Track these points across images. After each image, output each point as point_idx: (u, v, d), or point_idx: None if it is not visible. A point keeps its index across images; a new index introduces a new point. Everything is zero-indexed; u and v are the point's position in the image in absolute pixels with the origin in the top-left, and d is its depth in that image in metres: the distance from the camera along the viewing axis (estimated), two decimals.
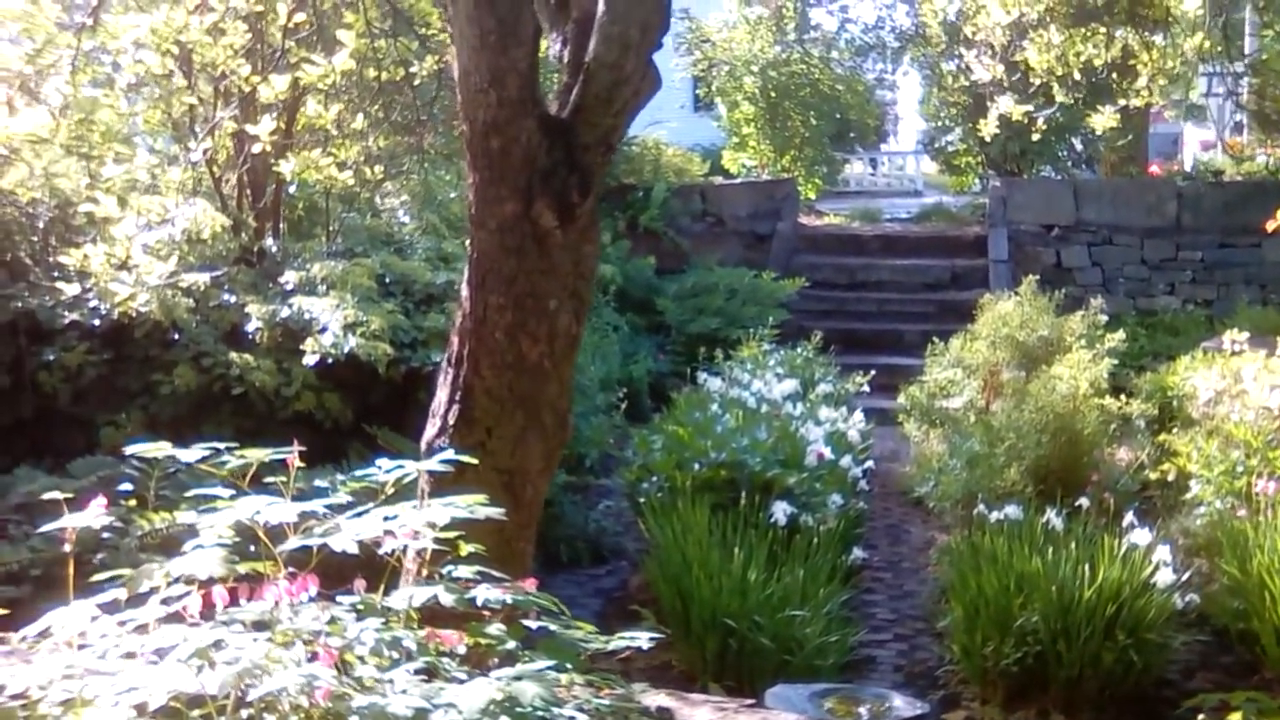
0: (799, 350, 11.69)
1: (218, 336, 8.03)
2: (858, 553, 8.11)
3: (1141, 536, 6.71)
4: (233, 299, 8.22)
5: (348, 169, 8.14)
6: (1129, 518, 7.15)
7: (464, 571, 2.59)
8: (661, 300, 15.07)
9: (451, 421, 4.15)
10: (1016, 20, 7.29)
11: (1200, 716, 5.63)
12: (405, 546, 2.72)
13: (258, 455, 2.70)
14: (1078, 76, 7.61)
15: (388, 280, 8.83)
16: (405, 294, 8.86)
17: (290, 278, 8.31)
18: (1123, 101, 7.76)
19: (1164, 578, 6.49)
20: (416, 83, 8.01)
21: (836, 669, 6.56)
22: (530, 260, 4.06)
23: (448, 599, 2.43)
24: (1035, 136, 12.88)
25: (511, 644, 2.47)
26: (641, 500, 7.87)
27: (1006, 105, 7.76)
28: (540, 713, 2.10)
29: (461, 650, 2.48)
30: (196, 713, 2.29)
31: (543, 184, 4.02)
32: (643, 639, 2.69)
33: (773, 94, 20.36)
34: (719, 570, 6.70)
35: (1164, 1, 7.22)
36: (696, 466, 7.83)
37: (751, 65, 20.26)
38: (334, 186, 8.66)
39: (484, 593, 2.47)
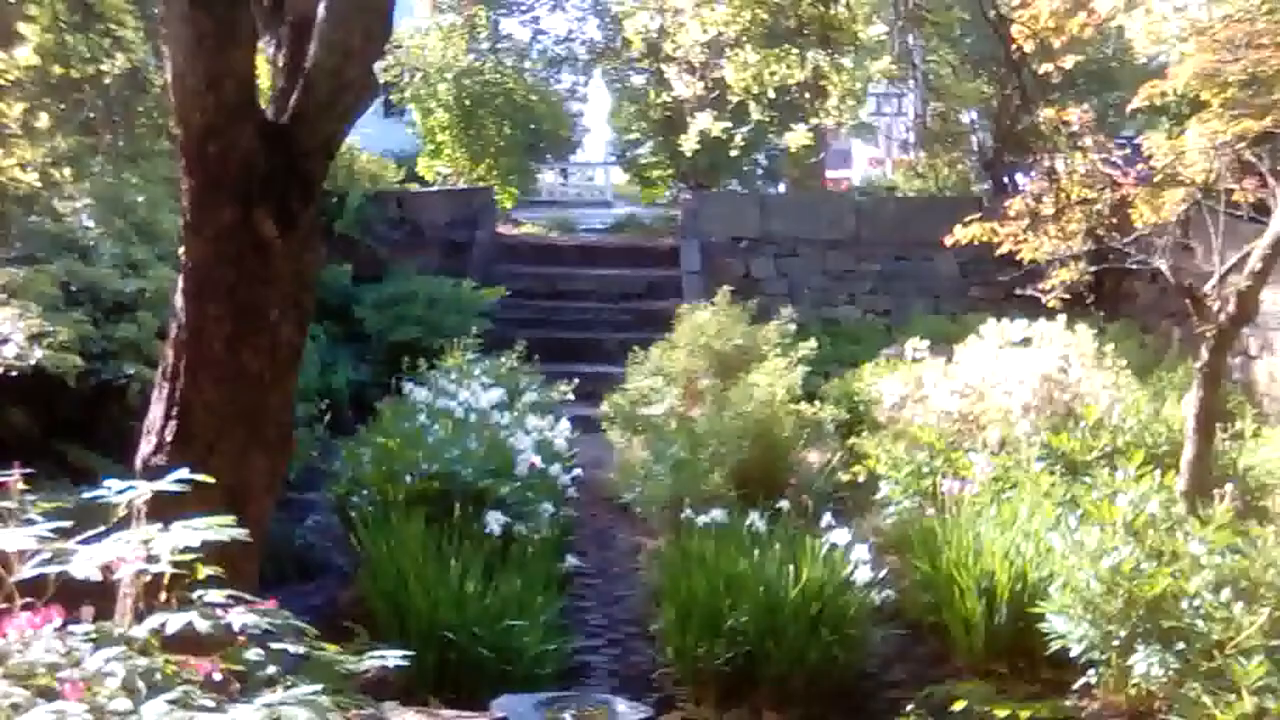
0: (503, 359, 11.69)
1: None
2: (571, 560, 8.19)
3: (841, 536, 7.04)
4: None
5: (31, 170, 7.66)
6: (827, 518, 7.50)
7: (214, 595, 2.48)
8: (360, 309, 14.80)
9: (169, 438, 3.95)
10: (714, 39, 7.53)
11: (909, 707, 5.94)
12: (125, 572, 2.59)
13: None
14: (772, 95, 7.93)
15: (73, 288, 8.37)
16: (93, 303, 8.41)
17: None
18: (815, 120, 8.14)
19: (862, 575, 6.83)
20: (106, 81, 7.61)
21: (555, 677, 6.59)
22: (250, 269, 3.92)
23: (203, 625, 2.32)
24: (733, 152, 13.36)
25: (272, 669, 2.38)
26: (352, 514, 7.72)
27: (706, 121, 8.00)
28: None
29: (218, 677, 2.38)
30: None
31: (262, 191, 3.88)
32: (392, 658, 2.65)
33: (467, 102, 20.31)
34: (435, 582, 6.64)
35: (852, 27, 7.61)
36: (408, 478, 7.74)
37: (445, 72, 20.15)
38: (16, 189, 8.13)
39: (238, 617, 2.38)
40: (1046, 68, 8.02)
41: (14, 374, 7.24)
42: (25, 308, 7.49)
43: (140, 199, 10.20)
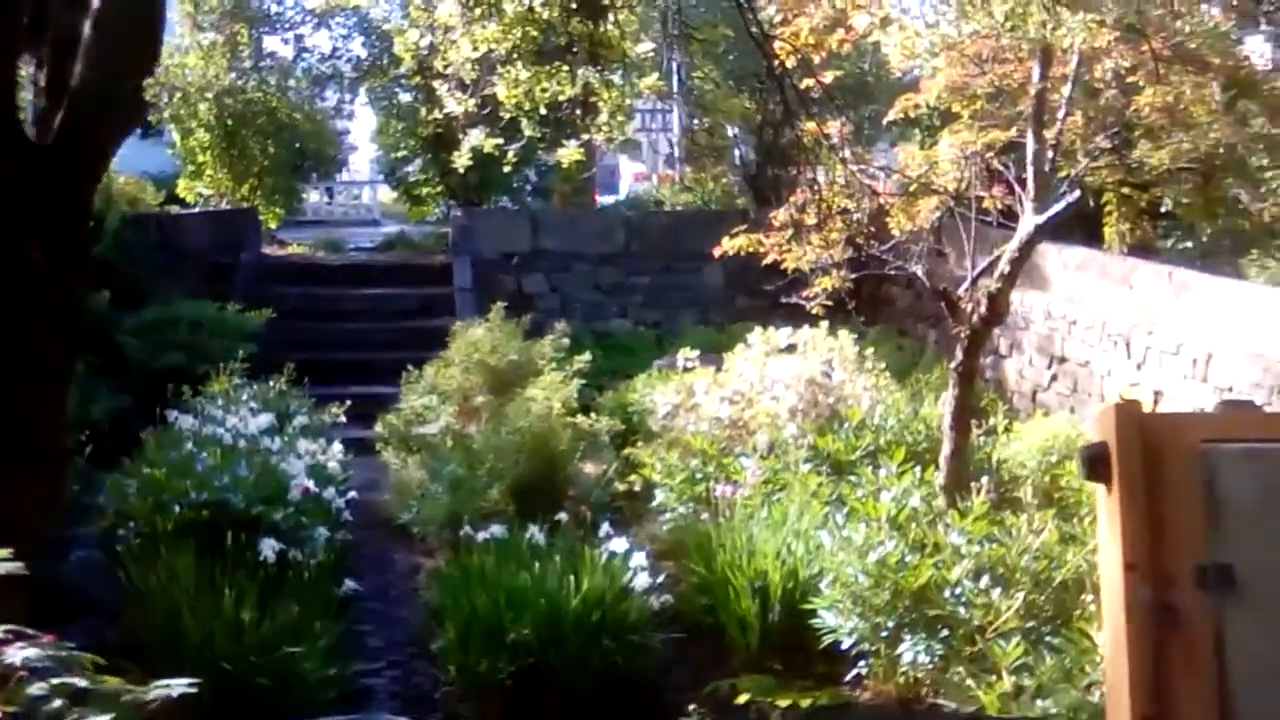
0: (272, 383, 11.47)
1: None
2: (348, 584, 8.09)
3: (619, 544, 7.17)
4: None
5: None
6: (605, 528, 7.62)
7: None
8: (119, 336, 14.23)
9: None
10: (485, 56, 7.57)
11: (692, 706, 6.07)
12: None
13: None
14: (544, 111, 8.02)
15: None
16: None
17: None
18: (586, 136, 8.27)
19: (641, 582, 6.96)
20: None
21: (337, 703, 6.51)
22: (17, 297, 3.80)
23: None
24: (507, 168, 13.38)
25: (58, 702, 2.32)
26: (119, 548, 7.46)
27: (479, 138, 8.04)
28: None
29: None
30: None
31: (28, 216, 3.77)
32: (178, 686, 2.61)
33: (229, 121, 19.82)
34: (209, 613, 6.49)
35: (621, 44, 7.76)
36: (177, 508, 7.53)
37: (206, 92, 19.61)
38: None
39: (20, 652, 2.31)
40: (807, 82, 8.31)
41: None
42: None
43: None
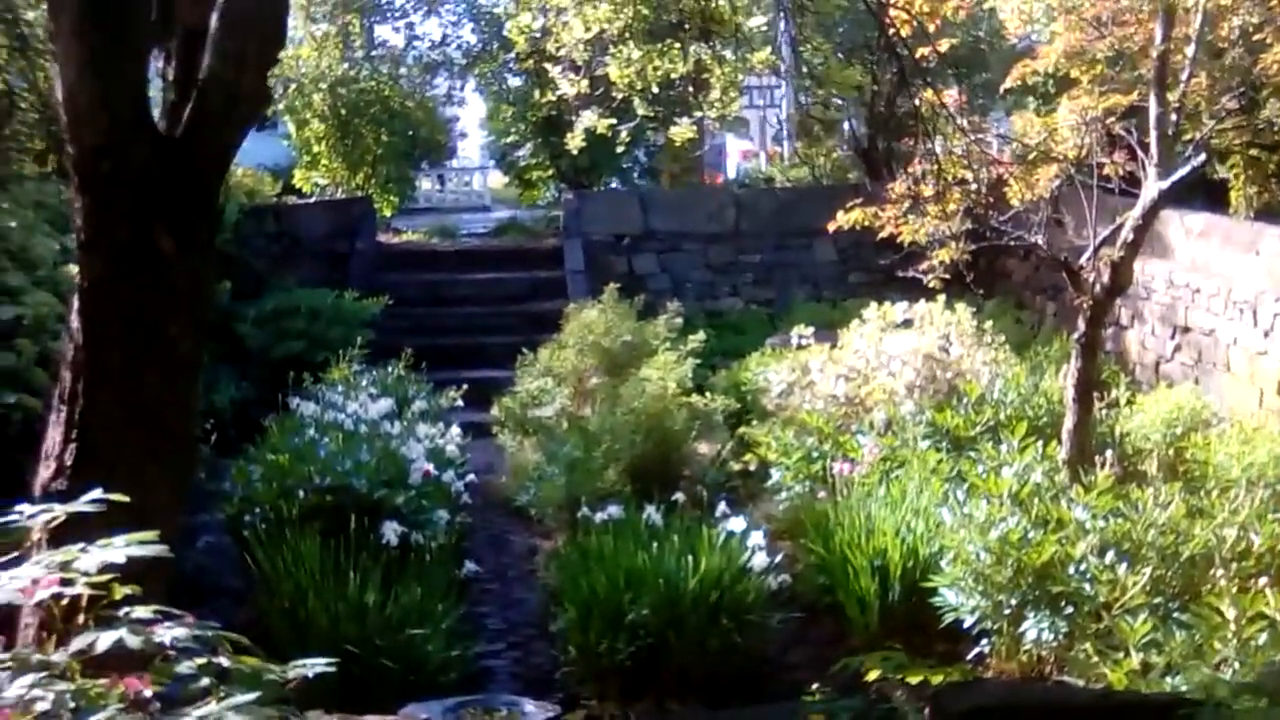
0: (390, 369, 11.63)
1: None
2: (468, 566, 8.18)
3: (736, 524, 7.15)
4: None
5: None
6: (721, 507, 7.60)
7: (141, 612, 2.47)
8: (241, 326, 14.56)
9: (69, 461, 3.90)
10: (597, 36, 7.58)
11: (815, 685, 6.04)
12: (38, 598, 2.56)
13: None
14: (656, 90, 8.00)
15: None
16: None
17: None
18: (698, 114, 8.24)
19: (759, 561, 6.93)
20: None
21: (460, 683, 6.59)
22: (147, 286, 3.88)
23: (134, 641, 2.31)
24: (619, 149, 13.40)
25: (205, 681, 2.38)
26: (246, 533, 7.62)
27: (591, 119, 8.05)
28: None
29: (148, 693, 2.36)
30: None
31: (158, 206, 3.84)
32: (317, 665, 2.66)
33: (343, 111, 20.09)
34: (334, 596, 6.61)
35: (732, 19, 7.71)
36: (301, 494, 7.67)
37: (320, 82, 19.91)
38: None
39: (168, 632, 2.37)
40: (922, 51, 8.19)
41: None
42: None
43: (13, 224, 9.96)
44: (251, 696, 2.29)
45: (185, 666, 2.43)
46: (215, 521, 9.04)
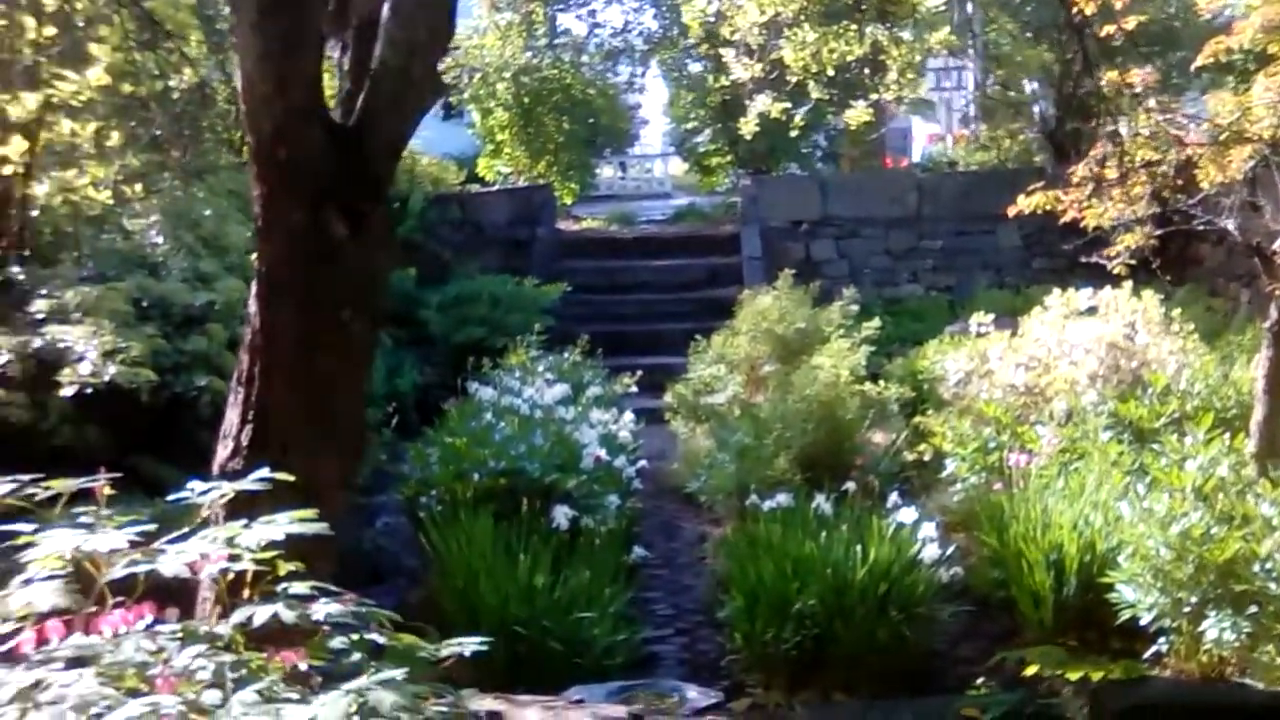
0: (566, 355, 11.79)
1: None
2: (637, 551, 8.24)
3: (907, 515, 7.03)
4: None
5: (103, 189, 7.84)
6: (893, 498, 7.48)
7: (299, 588, 2.55)
8: (424, 312, 14.94)
9: (245, 442, 4.05)
10: (772, 19, 7.52)
11: (980, 680, 5.91)
12: (204, 574, 2.66)
13: (67, 485, 2.61)
14: (831, 73, 7.90)
15: (145, 304, 8.54)
16: (164, 317, 8.58)
17: (40, 306, 7.95)
18: (874, 96, 8.11)
19: (930, 553, 6.80)
20: (174, 97, 7.76)
21: (624, 667, 6.64)
22: (321, 271, 4.00)
23: (289, 616, 2.39)
24: (793, 133, 13.32)
25: (357, 656, 2.45)
26: (421, 515, 7.81)
27: (766, 103, 7.99)
28: None
29: (303, 668, 2.45)
30: None
31: (332, 193, 3.96)
32: (470, 645, 2.71)
33: (526, 100, 20.42)
34: (505, 578, 6.72)
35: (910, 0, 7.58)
36: (476, 476, 7.82)
37: (503, 71, 20.26)
38: (87, 208, 8.31)
39: (323, 608, 2.44)
40: (1109, 29, 7.92)
41: (89, 390, 7.40)
42: (98, 325, 7.67)
43: (208, 212, 10.40)
44: (400, 672, 2.34)
45: (339, 642, 2.51)
46: (394, 502, 9.30)
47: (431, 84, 4.22)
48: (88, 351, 7.53)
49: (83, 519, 2.67)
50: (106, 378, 7.46)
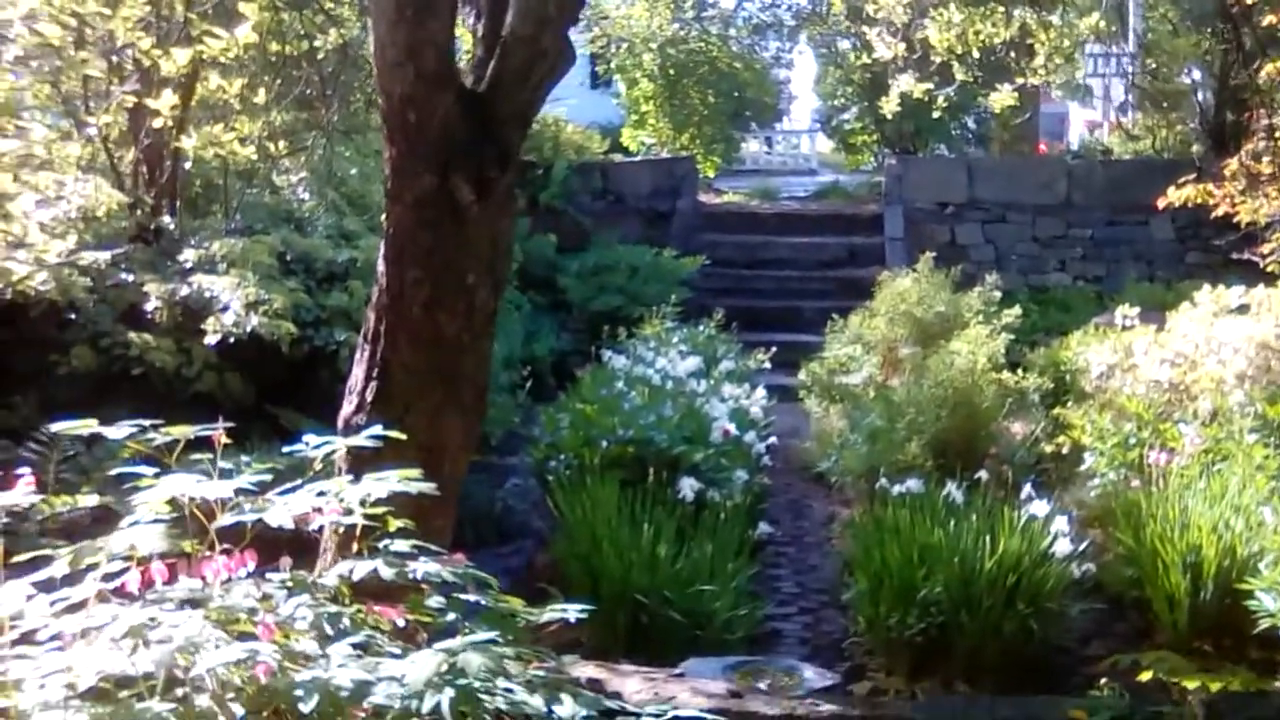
0: (701, 328, 11.77)
1: (115, 316, 7.87)
2: (763, 527, 8.21)
3: (1040, 508, 6.87)
4: (130, 278, 8.05)
5: (250, 144, 8.03)
6: (1026, 490, 7.32)
7: (400, 546, 2.58)
8: (563, 278, 15.06)
9: (369, 398, 4.12)
10: None
11: (1103, 680, 5.78)
12: (324, 524, 2.71)
13: (184, 432, 2.66)
14: (976, 55, 7.75)
15: (289, 258, 8.72)
16: (307, 272, 8.76)
17: (189, 256, 8.17)
18: (1020, 80, 7.94)
19: (1062, 548, 6.64)
20: (320, 57, 7.91)
21: (745, 642, 6.63)
22: (447, 234, 4.04)
23: (388, 573, 2.42)
24: (935, 114, 13.14)
25: (452, 616, 2.48)
26: (550, 478, 7.88)
27: (908, 83, 7.88)
28: (484, 683, 2.11)
29: (400, 623, 2.48)
30: (125, 693, 2.26)
31: (460, 158, 3.99)
32: (572, 611, 2.71)
33: (671, 71, 20.40)
34: (628, 546, 6.73)
35: None
36: (604, 444, 7.86)
37: (650, 42, 20.26)
38: (234, 162, 8.52)
39: (422, 566, 2.47)
40: (1270, 20, 7.64)
41: (231, 340, 7.60)
42: (243, 277, 7.85)
43: (353, 171, 10.59)
44: (490, 634, 2.35)
45: (436, 600, 2.53)
46: (524, 465, 9.40)
47: (561, 55, 4.21)
48: (232, 302, 7.72)
49: (200, 467, 2.73)
50: (249, 328, 7.63)
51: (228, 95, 7.83)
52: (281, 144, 8.79)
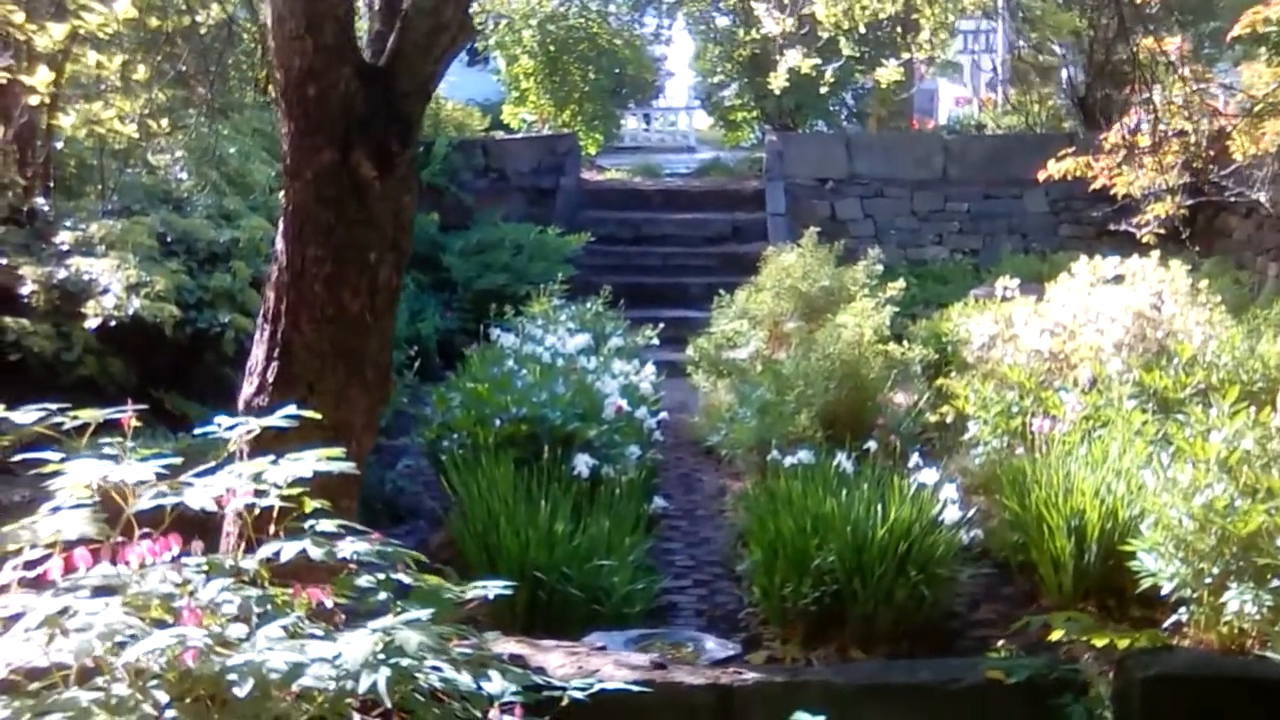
0: (589, 305, 11.77)
1: None
2: (657, 502, 8.25)
3: (929, 476, 7.01)
4: (3, 261, 7.83)
5: (130, 122, 7.82)
6: (914, 458, 7.47)
7: (326, 525, 2.55)
8: (447, 257, 14.94)
9: (271, 379, 4.05)
10: None
11: (1001, 642, 5.92)
12: (231, 507, 2.66)
13: (93, 415, 2.60)
14: (862, 30, 7.85)
15: (169, 239, 8.56)
16: (188, 253, 8.60)
17: (65, 238, 7.97)
18: (906, 55, 8.06)
19: (950, 515, 6.78)
20: (203, 32, 7.72)
21: (643, 616, 6.66)
22: (349, 211, 3.98)
23: (317, 553, 2.39)
24: (823, 90, 13.29)
25: (383, 595, 2.45)
26: (442, 458, 7.83)
27: (796, 58, 7.95)
28: (417, 661, 2.10)
29: (328, 604, 2.45)
30: (36, 684, 2.21)
31: (361, 133, 3.94)
32: (495, 587, 2.71)
33: (551, 48, 20.33)
34: (525, 523, 6.72)
35: None
36: (497, 422, 7.83)
37: (530, 19, 20.17)
38: (113, 141, 8.30)
39: (349, 546, 2.44)
40: None
41: (113, 323, 7.43)
42: (123, 259, 7.68)
43: (232, 150, 10.38)
44: (426, 613, 2.34)
45: (365, 580, 2.51)
46: (415, 446, 9.33)
47: (463, 26, 4.17)
48: (112, 284, 7.55)
49: (108, 450, 2.67)
50: (130, 311, 7.47)
51: (108, 72, 7.61)
52: (164, 122, 8.58)
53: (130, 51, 7.74)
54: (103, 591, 2.29)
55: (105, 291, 7.51)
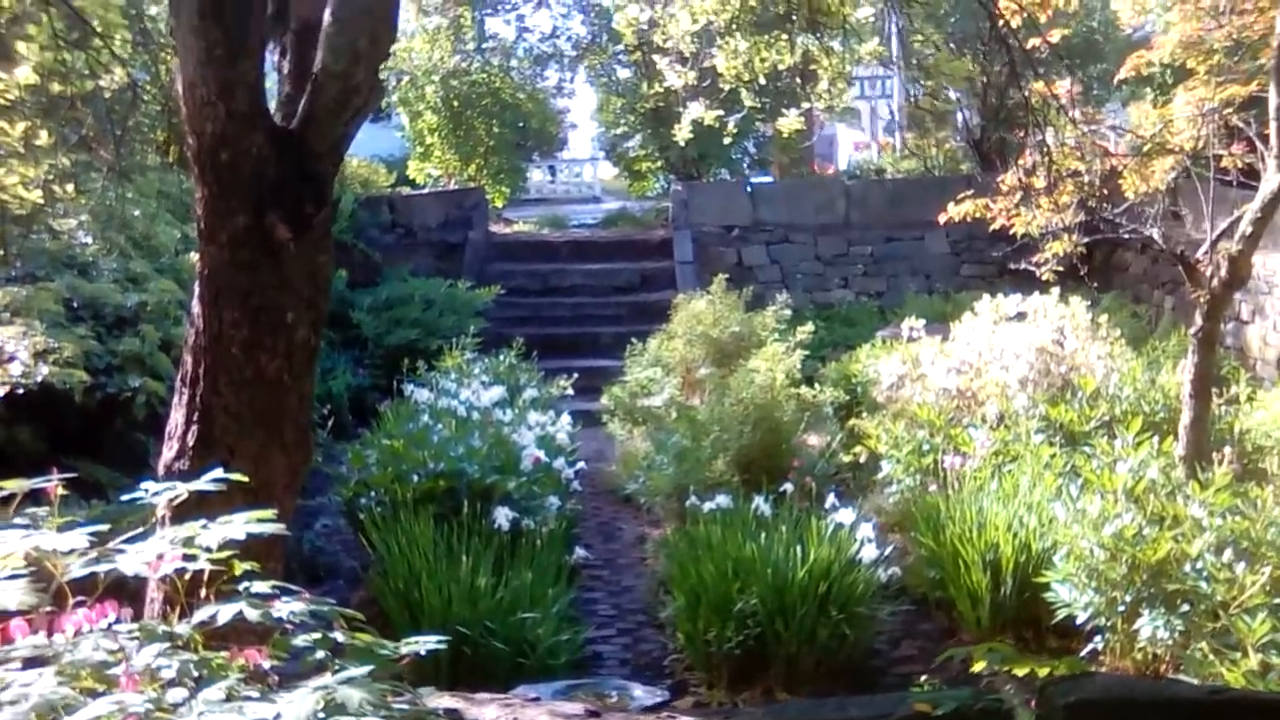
0: (501, 357, 11.78)
1: None
2: (578, 552, 8.26)
3: (845, 515, 7.11)
4: None
5: (34, 187, 7.72)
6: (831, 499, 7.57)
7: (261, 587, 2.55)
8: (356, 314, 14.86)
9: (191, 443, 4.02)
10: (704, 28, 7.61)
11: (923, 677, 6.01)
12: (158, 573, 2.65)
13: (19, 485, 2.58)
14: (763, 81, 8.01)
15: (76, 305, 8.45)
16: (96, 318, 8.50)
17: None
18: (805, 105, 8.24)
19: (868, 553, 6.89)
20: (107, 96, 7.66)
21: (569, 667, 6.66)
22: (264, 273, 3.99)
23: (253, 614, 2.39)
24: (726, 140, 13.48)
25: (321, 654, 2.45)
26: (361, 516, 7.78)
27: (699, 110, 8.09)
28: (358, 718, 2.11)
29: (267, 665, 2.44)
30: None
31: (274, 196, 3.95)
32: (428, 643, 2.72)
33: (455, 103, 20.39)
34: (447, 579, 6.71)
35: (840, 10, 7.69)
36: (415, 478, 7.80)
37: (432, 75, 20.23)
38: (16, 207, 8.18)
39: (285, 607, 2.44)
40: (1034, 42, 8.10)
41: (20, 391, 7.31)
42: (29, 325, 7.57)
43: (137, 213, 10.28)
44: (364, 670, 2.35)
45: (301, 640, 2.51)
46: (332, 505, 9.25)
47: (373, 88, 4.21)
48: (19, 352, 7.43)
49: (18, 520, 2.65)
50: (38, 378, 7.36)
51: (9, 139, 7.52)
52: (70, 186, 8.48)
53: (32, 117, 7.66)
54: (34, 662, 2.27)
55: (12, 359, 7.39)
